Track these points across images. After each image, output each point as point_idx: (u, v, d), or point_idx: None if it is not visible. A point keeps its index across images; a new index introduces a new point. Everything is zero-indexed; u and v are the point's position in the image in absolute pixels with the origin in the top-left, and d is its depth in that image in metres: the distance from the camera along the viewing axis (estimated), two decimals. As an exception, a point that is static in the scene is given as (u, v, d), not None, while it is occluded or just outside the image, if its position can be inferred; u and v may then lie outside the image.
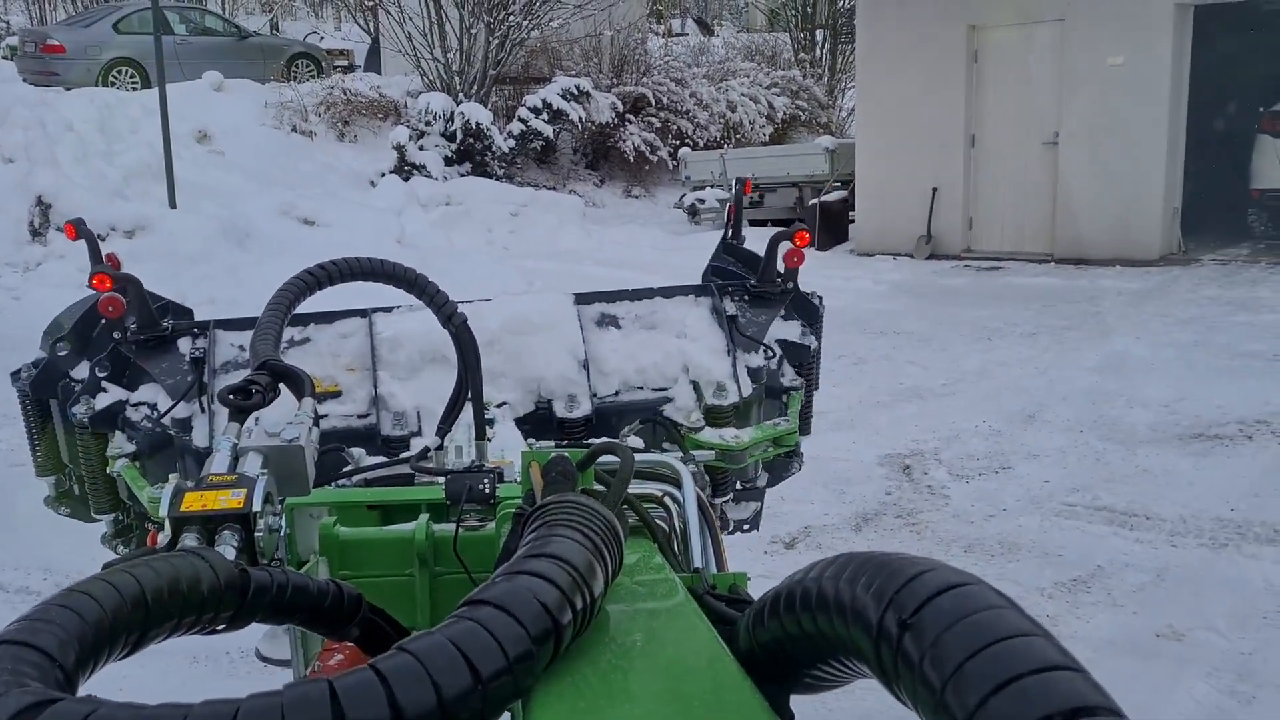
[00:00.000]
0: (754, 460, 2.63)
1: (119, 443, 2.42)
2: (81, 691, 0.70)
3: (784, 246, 2.68)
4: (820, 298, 2.94)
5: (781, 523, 4.91)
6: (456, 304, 1.91)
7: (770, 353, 2.71)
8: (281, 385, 1.49)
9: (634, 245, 13.68)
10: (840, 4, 22.41)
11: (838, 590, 0.74)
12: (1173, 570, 4.38)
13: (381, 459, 2.13)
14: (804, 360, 2.79)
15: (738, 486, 2.65)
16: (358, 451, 2.18)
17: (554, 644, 0.76)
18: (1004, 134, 13.06)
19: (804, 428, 2.93)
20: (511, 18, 17.36)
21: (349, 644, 1.26)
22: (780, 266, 2.82)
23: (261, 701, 0.63)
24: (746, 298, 2.78)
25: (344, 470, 2.04)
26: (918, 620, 0.65)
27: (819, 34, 23.26)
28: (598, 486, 1.29)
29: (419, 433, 2.39)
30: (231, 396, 1.40)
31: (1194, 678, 3.53)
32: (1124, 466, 5.66)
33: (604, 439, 2.37)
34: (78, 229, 2.49)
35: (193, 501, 1.17)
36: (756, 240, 2.93)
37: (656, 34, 23.82)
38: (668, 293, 2.76)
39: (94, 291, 2.39)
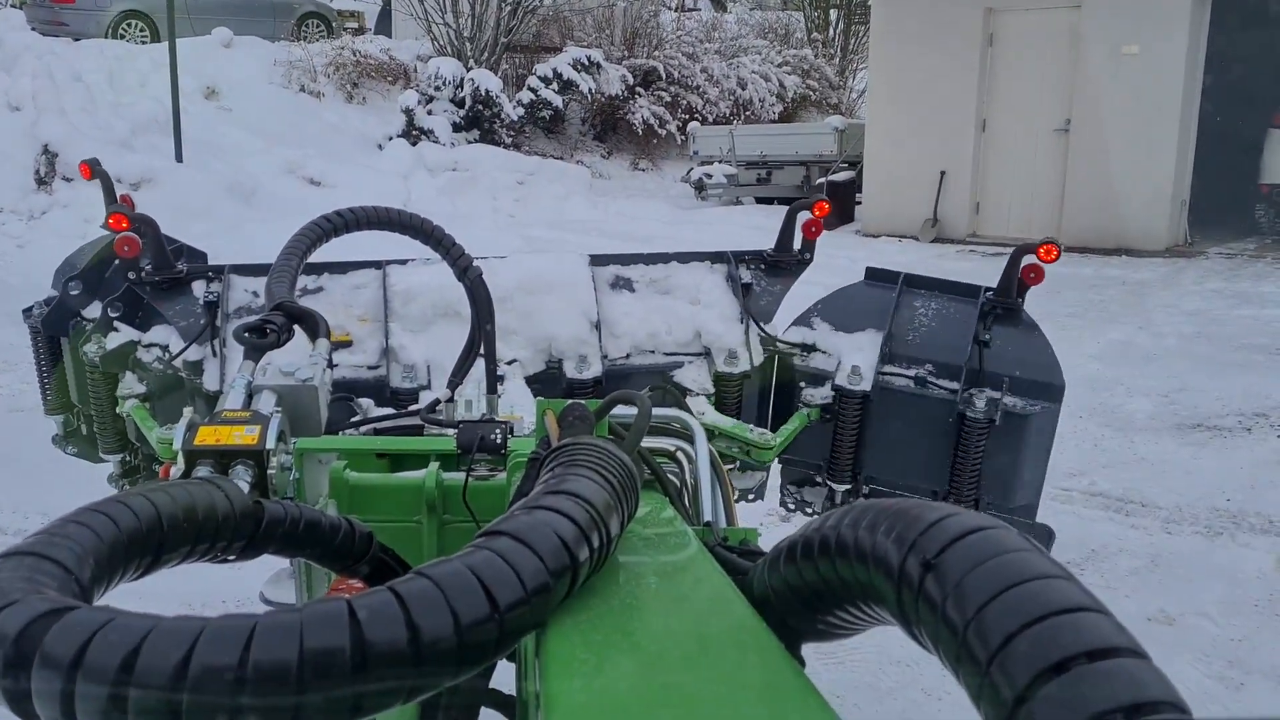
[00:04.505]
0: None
1: (129, 383, 2.42)
2: None
3: (803, 216, 2.67)
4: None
5: (777, 496, 4.91)
6: (472, 258, 1.90)
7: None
8: (296, 327, 1.49)
9: (640, 218, 13.65)
10: (855, -16, 22.27)
11: (857, 536, 0.72)
12: (1166, 556, 4.39)
13: (390, 410, 2.13)
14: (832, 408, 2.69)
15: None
16: (366, 402, 2.19)
17: (570, 579, 0.76)
18: (1015, 119, 12.99)
19: (834, 472, 2.80)
20: (525, -16, 17.25)
21: (355, 587, 1.27)
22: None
23: (280, 617, 0.63)
24: (763, 267, 2.78)
25: (352, 420, 2.04)
26: (940, 562, 0.63)
27: (833, 14, 23.13)
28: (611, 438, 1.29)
29: (428, 386, 2.38)
30: (247, 335, 1.40)
31: (1184, 663, 3.55)
32: (1122, 453, 5.67)
33: (620, 390, 2.38)
34: (93, 169, 2.47)
35: (207, 436, 1.17)
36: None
37: (669, 8, 23.63)
38: (683, 258, 2.77)
39: (109, 231, 2.36)
